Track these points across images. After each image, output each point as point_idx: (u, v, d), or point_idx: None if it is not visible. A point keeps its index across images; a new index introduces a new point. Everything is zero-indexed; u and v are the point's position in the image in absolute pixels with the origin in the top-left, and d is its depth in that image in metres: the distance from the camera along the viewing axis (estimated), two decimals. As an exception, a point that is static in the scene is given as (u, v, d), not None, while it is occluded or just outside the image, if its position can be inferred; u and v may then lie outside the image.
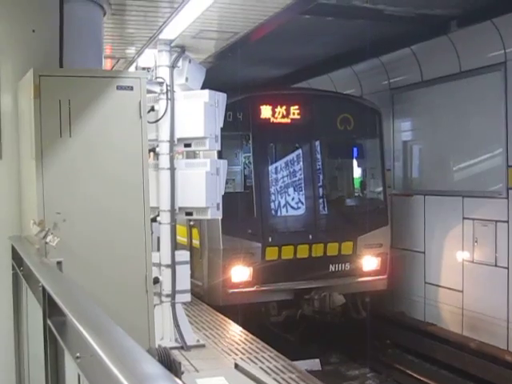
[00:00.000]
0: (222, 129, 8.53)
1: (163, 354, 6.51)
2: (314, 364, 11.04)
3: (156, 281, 8.22)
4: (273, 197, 11.77)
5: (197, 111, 8.31)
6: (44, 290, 3.52)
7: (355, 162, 13.52)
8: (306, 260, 11.54)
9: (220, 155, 9.98)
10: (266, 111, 11.66)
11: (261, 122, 11.60)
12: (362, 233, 11.96)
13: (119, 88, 5.43)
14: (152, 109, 8.43)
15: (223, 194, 8.57)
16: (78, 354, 2.76)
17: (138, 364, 2.05)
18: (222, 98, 8.57)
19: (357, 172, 13.58)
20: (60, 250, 4.92)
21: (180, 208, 8.59)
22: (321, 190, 12.09)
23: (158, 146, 8.59)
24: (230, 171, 12.37)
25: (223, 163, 8.66)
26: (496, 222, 10.67)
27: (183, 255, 8.92)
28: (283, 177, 12.03)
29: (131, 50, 9.13)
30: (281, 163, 12.20)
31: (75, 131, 5.28)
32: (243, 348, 8.56)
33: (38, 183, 5.16)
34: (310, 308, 11.44)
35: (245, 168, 14.22)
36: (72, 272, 4.78)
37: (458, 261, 11.58)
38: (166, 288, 8.59)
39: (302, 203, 11.89)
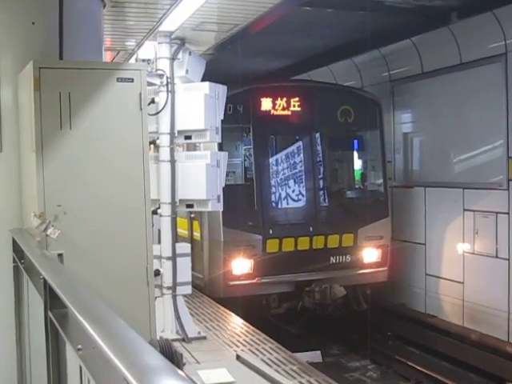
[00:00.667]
0: (222, 121, 8.53)
1: (165, 346, 6.51)
2: (315, 356, 11.07)
3: (157, 273, 8.22)
4: (273, 189, 11.76)
5: (197, 103, 8.29)
6: (45, 282, 3.53)
7: (356, 154, 13.50)
8: (307, 252, 11.54)
9: (220, 147, 9.96)
10: (266, 103, 11.64)
11: (261, 114, 11.59)
12: (363, 225, 11.96)
13: (119, 80, 5.43)
14: (152, 101, 8.41)
15: (224, 186, 8.57)
16: (79, 346, 2.77)
17: (140, 356, 2.05)
18: (222, 90, 8.55)
19: (357, 164, 13.56)
20: (61, 243, 4.94)
21: (181, 200, 8.59)
22: (321, 181, 12.09)
23: (158, 138, 8.58)
24: (231, 163, 12.37)
25: (224, 155, 8.65)
26: (497, 213, 10.66)
27: (184, 247, 8.92)
28: (284, 169, 12.02)
29: (131, 42, 9.12)
30: (281, 155, 12.19)
31: (75, 123, 5.28)
32: (244, 340, 8.57)
33: (38, 176, 5.16)
34: (311, 300, 11.44)
35: (245, 160, 14.21)
36: (73, 264, 4.80)
37: (458, 252, 11.58)
38: (167, 280, 8.59)
39: (303, 195, 11.89)
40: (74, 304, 2.89)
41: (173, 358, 6.45)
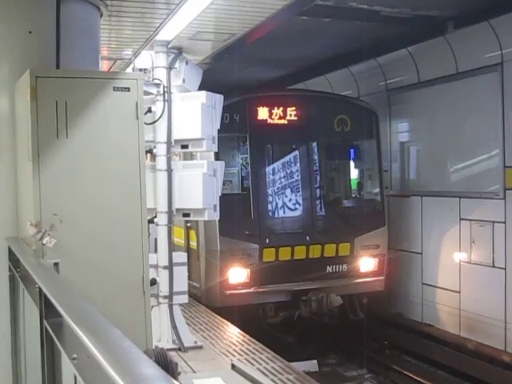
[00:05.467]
0: (219, 130, 8.53)
1: (160, 355, 6.50)
2: (312, 365, 11.05)
3: (153, 282, 8.21)
4: (270, 198, 11.76)
5: (194, 112, 8.30)
6: (41, 291, 3.52)
7: (352, 163, 13.50)
8: (304, 261, 11.53)
9: (217, 156, 9.98)
10: (262, 113, 11.66)
11: (258, 123, 11.60)
12: (360, 234, 11.96)
13: (116, 89, 5.42)
14: (149, 110, 8.42)
15: (220, 195, 8.57)
16: (74, 355, 2.76)
17: (135, 365, 2.05)
18: (219, 99, 8.56)
19: (354, 173, 13.57)
20: (57, 251, 4.93)
21: (177, 209, 8.59)
22: (318, 191, 12.09)
23: (155, 147, 8.59)
24: (227, 173, 12.34)
25: (220, 164, 8.65)
26: (493, 222, 10.67)
27: (180, 257, 8.92)
28: (280, 178, 12.02)
29: (128, 52, 9.13)
30: (278, 164, 12.18)
31: (72, 132, 5.28)
32: (240, 349, 8.56)
33: (34, 184, 5.15)
34: (308, 309, 11.42)
35: (242, 169, 14.21)
36: (69, 273, 4.79)
37: (455, 262, 11.58)
38: (164, 289, 8.58)
39: (300, 204, 11.88)
40: (70, 313, 2.89)
41: (168, 367, 6.44)
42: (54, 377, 3.48)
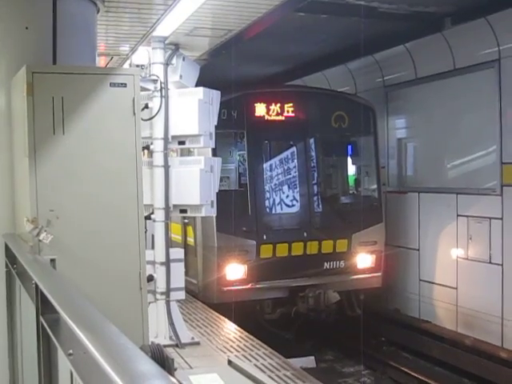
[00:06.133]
0: (216, 126, 8.53)
1: (156, 351, 6.49)
2: (309, 361, 11.05)
3: (150, 278, 8.22)
4: (267, 194, 11.76)
5: (191, 108, 8.30)
6: (37, 287, 3.52)
7: (350, 160, 13.50)
8: (301, 257, 11.53)
9: (214, 153, 9.97)
10: (260, 109, 11.65)
11: (255, 119, 11.58)
12: (357, 230, 11.95)
13: (112, 85, 5.42)
14: (146, 106, 8.41)
15: (217, 191, 8.56)
16: (70, 351, 2.76)
17: (131, 361, 2.05)
18: (216, 95, 8.56)
19: (351, 169, 13.58)
20: (53, 248, 4.92)
21: (174, 205, 8.59)
22: (315, 187, 12.09)
23: (152, 143, 8.58)
24: (225, 169, 12.38)
25: (217, 161, 8.66)
26: (490, 218, 10.68)
27: (177, 253, 8.92)
28: (278, 174, 12.01)
29: (125, 48, 9.11)
30: (275, 161, 12.18)
31: (68, 128, 5.27)
32: (238, 345, 8.56)
33: (31, 181, 5.15)
34: (305, 305, 11.43)
35: (239, 166, 14.21)
36: (66, 269, 4.79)
37: (452, 258, 11.59)
38: (161, 286, 8.59)
39: (297, 201, 11.88)
40: (66, 309, 2.89)
41: (164, 363, 6.43)
42: (51, 373, 3.48)
